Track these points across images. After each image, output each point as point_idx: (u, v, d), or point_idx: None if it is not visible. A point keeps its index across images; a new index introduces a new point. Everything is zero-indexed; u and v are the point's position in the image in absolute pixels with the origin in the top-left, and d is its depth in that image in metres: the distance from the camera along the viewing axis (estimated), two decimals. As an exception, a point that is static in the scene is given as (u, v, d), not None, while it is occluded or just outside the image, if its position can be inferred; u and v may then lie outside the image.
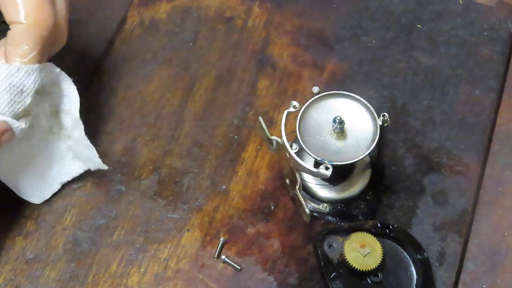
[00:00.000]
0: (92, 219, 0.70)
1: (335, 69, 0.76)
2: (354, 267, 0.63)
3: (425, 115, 0.74)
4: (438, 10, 0.79)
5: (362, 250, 0.63)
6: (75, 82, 0.66)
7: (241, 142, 0.73)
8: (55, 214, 0.70)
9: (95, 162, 0.67)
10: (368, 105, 0.64)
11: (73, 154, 0.69)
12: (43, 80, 0.62)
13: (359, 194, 0.69)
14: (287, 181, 0.69)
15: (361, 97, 0.65)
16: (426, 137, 0.73)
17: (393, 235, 0.65)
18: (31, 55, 0.60)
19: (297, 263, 0.68)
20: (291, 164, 0.64)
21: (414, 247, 0.65)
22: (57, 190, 0.69)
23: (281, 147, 0.64)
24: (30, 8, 0.59)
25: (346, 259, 0.63)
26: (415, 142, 0.72)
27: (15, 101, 0.60)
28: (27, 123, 0.63)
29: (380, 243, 0.63)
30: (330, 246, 0.65)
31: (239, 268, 0.67)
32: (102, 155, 0.72)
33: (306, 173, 0.64)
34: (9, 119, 0.60)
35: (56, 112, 0.67)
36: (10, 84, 0.59)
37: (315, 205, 0.66)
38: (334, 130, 0.63)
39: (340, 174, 0.68)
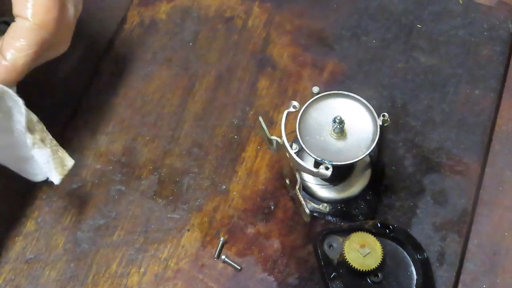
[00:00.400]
0: (92, 219, 0.70)
1: (335, 69, 0.76)
2: (354, 267, 0.63)
3: (425, 115, 0.74)
4: (438, 10, 0.79)
5: (362, 250, 0.63)
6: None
7: (241, 142, 0.73)
8: (55, 214, 0.70)
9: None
10: (368, 105, 0.64)
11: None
12: None
13: (359, 194, 0.69)
14: (287, 181, 0.69)
15: (361, 97, 0.65)
16: (426, 137, 0.73)
17: (393, 235, 0.65)
18: (27, 52, 0.61)
19: (297, 263, 0.68)
20: (291, 164, 0.64)
21: (414, 247, 0.65)
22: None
23: (281, 147, 0.64)
24: (39, 8, 0.60)
25: (346, 259, 0.63)
26: (415, 142, 0.72)
27: None
28: None
29: (380, 243, 0.63)
30: (330, 246, 0.65)
31: (239, 268, 0.67)
32: (102, 155, 0.72)
33: (306, 173, 0.64)
34: None
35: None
36: None
37: (315, 205, 0.66)
38: (334, 130, 0.63)
39: (340, 174, 0.68)
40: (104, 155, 0.72)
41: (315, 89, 0.65)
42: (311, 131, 0.64)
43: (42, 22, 0.60)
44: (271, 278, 0.67)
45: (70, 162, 0.66)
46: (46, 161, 0.64)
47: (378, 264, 0.63)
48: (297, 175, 0.65)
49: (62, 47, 0.65)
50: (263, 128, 0.65)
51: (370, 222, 0.65)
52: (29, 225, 0.69)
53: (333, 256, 0.65)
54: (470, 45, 0.77)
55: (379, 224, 0.65)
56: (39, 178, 0.67)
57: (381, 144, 0.66)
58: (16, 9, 0.61)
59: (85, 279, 0.67)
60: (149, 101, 0.75)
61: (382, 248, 0.63)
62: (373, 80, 0.75)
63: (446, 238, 0.68)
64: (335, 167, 0.62)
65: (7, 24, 0.62)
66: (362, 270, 0.63)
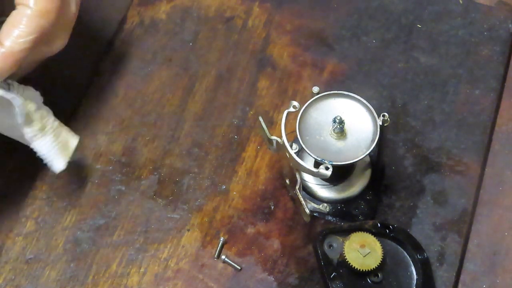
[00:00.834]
0: (92, 219, 0.70)
1: (335, 69, 0.76)
2: (354, 267, 0.63)
3: (425, 115, 0.74)
4: (438, 10, 0.79)
5: (362, 250, 0.63)
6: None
7: (241, 142, 0.73)
8: (55, 214, 0.70)
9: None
10: (368, 105, 0.64)
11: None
12: None
13: (359, 194, 0.69)
14: (287, 181, 0.69)
15: (361, 97, 0.65)
16: (426, 137, 0.73)
17: (393, 235, 0.65)
18: (26, 39, 0.61)
19: (297, 263, 0.68)
20: (291, 164, 0.64)
21: (414, 247, 0.65)
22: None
23: (281, 147, 0.64)
24: None
25: (346, 259, 0.63)
26: (415, 142, 0.72)
27: None
28: None
29: (380, 243, 0.63)
30: (330, 246, 0.65)
31: (239, 268, 0.67)
32: (102, 155, 0.72)
33: (306, 173, 0.64)
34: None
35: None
36: None
37: (315, 205, 0.66)
38: (334, 130, 0.63)
39: (340, 174, 0.68)
40: (104, 155, 0.72)
41: (315, 89, 0.65)
42: (311, 131, 0.64)
43: (43, 9, 0.61)
44: (271, 278, 0.67)
45: (74, 141, 0.67)
46: (48, 150, 0.65)
47: (378, 264, 0.63)
48: (297, 175, 0.65)
49: (60, 43, 0.65)
50: (263, 128, 0.65)
51: (370, 222, 0.65)
52: (29, 225, 0.69)
53: (333, 256, 0.65)
54: (470, 45, 0.77)
55: (379, 224, 0.65)
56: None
57: (381, 144, 0.66)
58: None
59: (85, 279, 0.67)
60: (149, 101, 0.75)
61: (382, 248, 0.63)
62: (373, 80, 0.75)
63: (446, 238, 0.68)
64: (335, 167, 0.62)
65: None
66: (362, 270, 0.63)
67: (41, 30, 0.61)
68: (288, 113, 0.64)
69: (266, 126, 0.65)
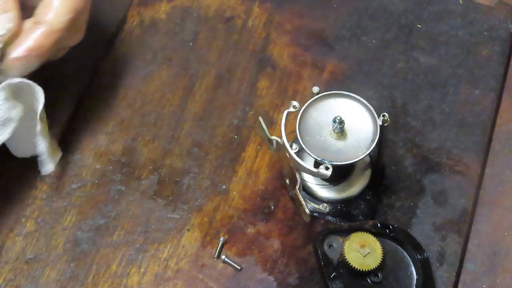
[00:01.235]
0: (92, 219, 0.70)
1: (335, 69, 0.76)
2: (354, 267, 0.63)
3: (425, 115, 0.74)
4: (438, 10, 0.79)
5: (362, 250, 0.63)
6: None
7: (241, 142, 0.73)
8: (55, 214, 0.70)
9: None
10: (368, 105, 0.64)
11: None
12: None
13: (359, 194, 0.69)
14: (287, 181, 0.69)
15: (361, 97, 0.65)
16: (426, 137, 0.73)
17: (393, 235, 0.65)
18: (64, 18, 0.62)
19: (297, 263, 0.68)
20: (291, 164, 0.64)
21: (414, 247, 0.65)
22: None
23: (281, 147, 0.64)
24: None
25: (346, 259, 0.63)
26: (415, 142, 0.72)
27: None
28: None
29: (380, 243, 0.63)
30: (330, 246, 0.65)
31: (239, 268, 0.67)
32: (102, 155, 0.72)
33: (306, 173, 0.64)
34: None
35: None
36: None
37: (315, 205, 0.66)
38: (334, 130, 0.63)
39: (340, 174, 0.68)
40: (104, 155, 0.72)
41: (315, 89, 0.65)
42: (311, 131, 0.64)
43: None
44: (271, 278, 0.67)
45: (58, 156, 0.69)
46: (46, 149, 0.66)
47: (378, 264, 0.63)
48: (297, 175, 0.65)
49: (80, 34, 0.67)
50: (263, 128, 0.65)
51: (370, 222, 0.65)
52: (29, 225, 0.69)
53: (333, 256, 0.65)
54: (470, 45, 0.77)
55: (379, 224, 0.65)
56: (24, 154, 0.69)
57: (381, 144, 0.66)
58: None
59: (85, 279, 0.67)
60: (149, 101, 0.75)
61: (382, 248, 0.63)
62: (373, 80, 0.75)
63: (446, 238, 0.68)
64: (335, 167, 0.62)
65: None
66: (362, 270, 0.63)
67: (76, 11, 0.63)
68: (288, 113, 0.64)
69: (266, 126, 0.65)
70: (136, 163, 0.72)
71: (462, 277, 0.67)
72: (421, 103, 0.74)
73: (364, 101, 0.64)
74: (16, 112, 0.63)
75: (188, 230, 0.69)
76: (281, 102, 0.75)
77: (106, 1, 0.80)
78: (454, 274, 0.67)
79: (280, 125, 0.64)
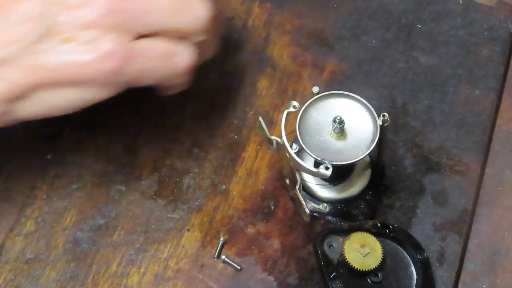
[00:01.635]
0: (92, 219, 0.70)
1: (335, 69, 0.76)
2: (354, 267, 0.63)
3: (425, 115, 0.74)
4: (438, 10, 0.79)
5: (362, 250, 0.63)
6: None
7: (241, 142, 0.73)
8: (55, 214, 0.70)
9: None
10: (368, 105, 0.64)
11: None
12: None
13: (359, 194, 0.69)
14: (287, 181, 0.69)
15: (361, 97, 0.65)
16: (426, 137, 0.73)
17: (393, 235, 0.65)
18: (217, 34, 0.63)
19: (297, 263, 0.68)
20: (291, 164, 0.64)
21: (414, 247, 0.65)
22: None
23: (281, 147, 0.64)
24: None
25: (346, 259, 0.63)
26: (415, 142, 0.72)
27: None
28: None
29: (380, 243, 0.63)
30: (330, 246, 0.65)
31: (239, 268, 0.67)
32: (102, 155, 0.72)
33: (306, 173, 0.64)
34: None
35: None
36: None
37: (315, 205, 0.66)
38: (334, 130, 0.63)
39: (340, 174, 0.68)
40: (104, 155, 0.72)
41: (315, 89, 0.65)
42: (311, 131, 0.64)
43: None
44: (271, 278, 0.67)
45: None
46: None
47: (378, 264, 0.63)
48: (297, 175, 0.65)
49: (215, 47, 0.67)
50: (263, 128, 0.65)
51: (370, 222, 0.65)
52: (29, 225, 0.69)
53: (333, 256, 0.65)
54: (470, 45, 0.77)
55: (379, 224, 0.65)
56: None
57: (381, 144, 0.66)
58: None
59: (85, 279, 0.67)
60: (149, 100, 0.75)
61: (382, 248, 0.63)
62: (373, 80, 0.75)
63: (446, 238, 0.68)
64: (335, 167, 0.62)
65: None
66: (362, 270, 0.63)
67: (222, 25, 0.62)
68: (288, 113, 0.64)
69: (266, 126, 0.65)
70: (136, 163, 0.72)
71: (462, 277, 0.67)
72: (421, 103, 0.74)
73: (364, 101, 0.64)
74: None
75: (188, 230, 0.69)
76: (281, 102, 0.75)
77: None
78: (454, 274, 0.67)
79: (280, 125, 0.64)
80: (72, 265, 0.68)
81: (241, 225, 0.69)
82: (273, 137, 0.64)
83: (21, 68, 0.55)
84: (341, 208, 0.69)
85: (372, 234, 0.64)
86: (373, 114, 0.64)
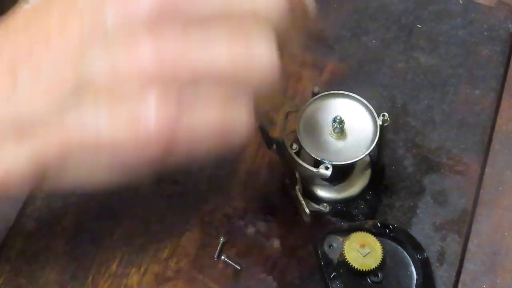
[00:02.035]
0: (92, 219, 0.69)
1: (335, 69, 0.76)
2: (354, 267, 0.63)
3: (425, 115, 0.74)
4: (438, 10, 0.79)
5: (362, 250, 0.63)
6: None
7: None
8: (55, 214, 0.70)
9: None
10: (368, 105, 0.64)
11: None
12: None
13: (359, 194, 0.69)
14: (287, 181, 0.69)
15: (361, 97, 0.65)
16: (426, 137, 0.73)
17: (393, 235, 0.65)
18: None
19: (297, 263, 0.67)
20: (291, 164, 0.64)
21: (414, 247, 0.65)
22: None
23: (281, 147, 0.64)
24: None
25: (346, 259, 0.63)
26: (415, 142, 0.72)
27: None
28: None
29: (380, 243, 0.63)
30: (330, 246, 0.65)
31: (239, 268, 0.67)
32: (102, 155, 0.72)
33: (306, 173, 0.64)
34: None
35: None
36: None
37: (315, 205, 0.66)
38: (334, 130, 0.63)
39: (340, 174, 0.68)
40: (104, 155, 0.72)
41: (315, 89, 0.65)
42: (311, 131, 0.64)
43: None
44: (271, 278, 0.67)
45: None
46: None
47: (378, 264, 0.63)
48: (297, 175, 0.65)
49: None
50: (263, 128, 0.65)
51: (370, 222, 0.65)
52: (29, 225, 0.69)
53: (333, 256, 0.64)
54: (470, 45, 0.77)
55: (379, 224, 0.65)
56: None
57: (381, 144, 0.66)
58: None
59: (85, 279, 0.67)
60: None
61: (382, 248, 0.63)
62: (373, 80, 0.75)
63: (446, 238, 0.68)
64: (335, 167, 0.62)
65: None
66: (362, 270, 0.63)
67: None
68: (288, 113, 0.64)
69: (266, 126, 0.65)
70: (136, 163, 0.72)
71: (462, 277, 0.67)
72: (421, 103, 0.74)
73: (364, 101, 0.64)
74: None
75: (188, 230, 0.69)
76: (281, 102, 0.75)
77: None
78: (454, 274, 0.67)
79: (280, 125, 0.64)
80: (72, 265, 0.68)
81: (241, 225, 0.69)
82: (273, 137, 0.64)
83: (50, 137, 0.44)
84: (341, 208, 0.69)
85: (372, 234, 0.64)
86: (373, 114, 0.64)
